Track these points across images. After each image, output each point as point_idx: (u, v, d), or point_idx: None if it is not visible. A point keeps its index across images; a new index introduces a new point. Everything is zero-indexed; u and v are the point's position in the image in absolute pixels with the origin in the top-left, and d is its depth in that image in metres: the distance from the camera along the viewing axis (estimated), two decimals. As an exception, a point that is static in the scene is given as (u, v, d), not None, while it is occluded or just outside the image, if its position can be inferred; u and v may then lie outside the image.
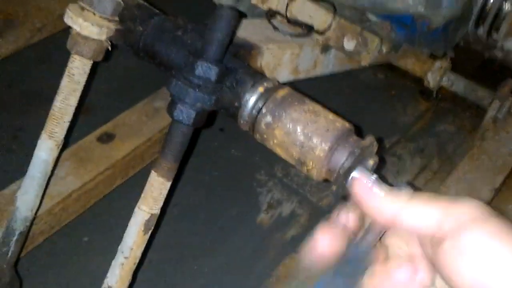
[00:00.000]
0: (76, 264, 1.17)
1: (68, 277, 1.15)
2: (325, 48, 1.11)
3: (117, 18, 0.75)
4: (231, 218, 1.33)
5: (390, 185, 0.59)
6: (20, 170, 0.96)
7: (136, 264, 0.76)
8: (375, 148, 0.66)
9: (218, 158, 1.46)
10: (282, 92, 0.69)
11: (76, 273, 1.15)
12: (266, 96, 0.68)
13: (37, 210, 0.86)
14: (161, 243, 1.22)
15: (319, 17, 1.07)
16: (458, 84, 1.59)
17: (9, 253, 0.85)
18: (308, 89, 1.12)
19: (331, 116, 0.67)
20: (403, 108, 1.70)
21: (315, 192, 1.42)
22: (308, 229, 1.34)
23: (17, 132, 1.37)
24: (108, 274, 0.75)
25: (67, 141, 1.13)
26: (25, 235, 0.87)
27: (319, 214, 1.37)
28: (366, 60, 1.06)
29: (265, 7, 1.08)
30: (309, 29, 1.06)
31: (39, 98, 1.43)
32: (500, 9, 1.20)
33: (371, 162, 0.65)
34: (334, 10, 1.07)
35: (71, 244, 1.19)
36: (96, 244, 1.19)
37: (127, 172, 1.20)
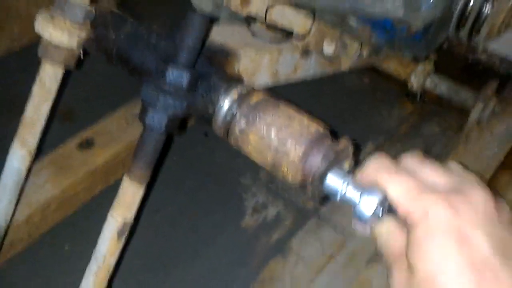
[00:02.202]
0: (57, 273, 1.15)
1: (48, 286, 1.13)
2: (306, 53, 1.10)
3: (89, 25, 0.74)
4: (215, 223, 1.32)
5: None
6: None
7: (110, 272, 0.75)
8: (350, 150, 0.66)
9: (202, 163, 1.45)
10: (256, 97, 0.68)
11: (57, 281, 1.14)
12: (239, 101, 0.67)
13: (11, 219, 0.85)
14: (142, 250, 1.21)
15: (299, 22, 1.07)
16: (441, 86, 1.59)
17: (-16, 263, 0.84)
18: (292, 93, 1.12)
19: (305, 120, 0.66)
20: (388, 111, 1.70)
21: (301, 195, 1.41)
22: (293, 232, 1.33)
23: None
24: (82, 283, 0.74)
25: (46, 148, 1.13)
26: (0, 245, 0.85)
27: (304, 217, 1.37)
28: (346, 64, 1.06)
29: (244, 12, 1.07)
30: (288, 34, 1.06)
31: (20, 106, 1.43)
32: (480, 11, 1.20)
33: (346, 165, 0.65)
34: (314, 15, 1.07)
35: (51, 252, 1.17)
36: (77, 252, 1.18)
37: (107, 179, 1.19)
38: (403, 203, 0.50)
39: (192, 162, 1.44)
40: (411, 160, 0.54)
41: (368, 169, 0.55)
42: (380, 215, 0.54)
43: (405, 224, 0.51)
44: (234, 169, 1.44)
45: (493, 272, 0.44)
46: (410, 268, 0.48)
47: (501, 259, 0.45)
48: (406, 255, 0.49)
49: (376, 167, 0.54)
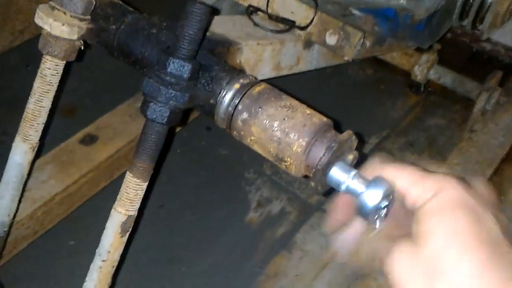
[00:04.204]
0: (62, 268, 1.15)
1: (54, 281, 1.13)
2: (308, 44, 1.10)
3: (89, 17, 0.73)
4: (220, 217, 1.32)
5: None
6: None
7: (114, 267, 0.74)
8: (354, 142, 0.65)
9: (206, 157, 1.45)
10: (258, 88, 0.67)
11: (62, 277, 1.14)
12: (242, 92, 0.67)
13: (15, 214, 0.85)
14: (148, 245, 1.21)
15: (301, 12, 1.06)
16: (445, 77, 1.58)
17: (-12, 260, 0.84)
18: (294, 85, 1.11)
19: (308, 111, 0.66)
20: (392, 103, 1.69)
21: (304, 189, 1.41)
22: (298, 227, 1.33)
23: (2, 136, 1.36)
24: (87, 279, 0.74)
25: (50, 144, 1.12)
26: (4, 241, 0.85)
27: (308, 211, 1.36)
28: (349, 54, 1.05)
29: (246, 3, 1.07)
30: (290, 24, 1.05)
31: (23, 101, 1.43)
32: (483, 0, 1.19)
33: (350, 157, 0.64)
34: (316, 5, 1.06)
35: (56, 248, 1.18)
36: (82, 247, 1.18)
37: (111, 174, 1.18)
38: (413, 187, 0.50)
39: (196, 157, 1.44)
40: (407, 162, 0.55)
41: (372, 165, 0.55)
42: (384, 207, 0.54)
43: (407, 216, 0.50)
44: (238, 163, 1.43)
45: (502, 253, 0.44)
46: (416, 248, 0.46)
47: (508, 244, 0.45)
48: (409, 238, 0.48)
49: (380, 163, 0.54)
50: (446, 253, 0.45)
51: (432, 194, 0.48)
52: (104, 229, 0.76)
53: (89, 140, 1.17)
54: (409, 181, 0.50)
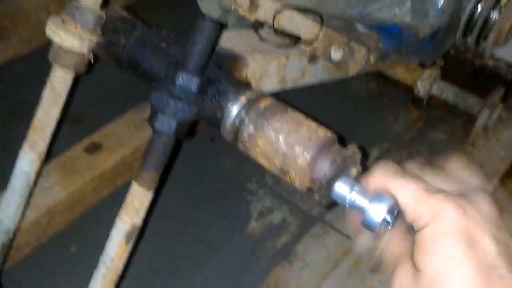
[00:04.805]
0: (64, 275, 1.16)
1: (56, 288, 1.14)
2: (313, 58, 1.11)
3: (99, 30, 0.75)
4: (221, 227, 1.33)
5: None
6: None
7: (118, 276, 0.75)
8: (358, 157, 0.66)
9: (209, 168, 1.45)
10: (264, 102, 0.69)
11: (64, 284, 1.15)
12: (248, 106, 0.68)
13: (20, 221, 0.86)
14: (150, 254, 1.21)
15: (306, 27, 1.08)
16: (448, 92, 1.59)
17: (-8, 266, 0.84)
18: (299, 98, 1.12)
19: (313, 125, 0.67)
20: (394, 117, 1.70)
21: (306, 200, 1.41)
22: (299, 238, 1.33)
23: (7, 143, 1.37)
24: (90, 286, 0.74)
25: (54, 151, 1.13)
26: (8, 247, 0.86)
27: (310, 222, 1.37)
28: (353, 69, 1.07)
29: (252, 18, 1.08)
30: (296, 39, 1.06)
31: (29, 109, 1.44)
32: (488, 17, 1.20)
33: (354, 171, 0.65)
34: (321, 20, 1.08)
35: (58, 255, 1.18)
36: (84, 254, 1.19)
37: (115, 183, 1.19)
38: (413, 207, 0.50)
39: (199, 167, 1.45)
40: (416, 167, 0.55)
41: (376, 176, 0.55)
42: (389, 222, 0.54)
43: (410, 231, 0.51)
44: (241, 174, 1.44)
45: (499, 277, 0.45)
46: (416, 270, 0.48)
47: (508, 267, 0.45)
48: (412, 258, 0.49)
49: (384, 174, 0.54)
50: (443, 281, 0.46)
51: (431, 218, 0.48)
52: (107, 237, 0.76)
53: (94, 148, 1.18)
54: (411, 197, 0.51)
